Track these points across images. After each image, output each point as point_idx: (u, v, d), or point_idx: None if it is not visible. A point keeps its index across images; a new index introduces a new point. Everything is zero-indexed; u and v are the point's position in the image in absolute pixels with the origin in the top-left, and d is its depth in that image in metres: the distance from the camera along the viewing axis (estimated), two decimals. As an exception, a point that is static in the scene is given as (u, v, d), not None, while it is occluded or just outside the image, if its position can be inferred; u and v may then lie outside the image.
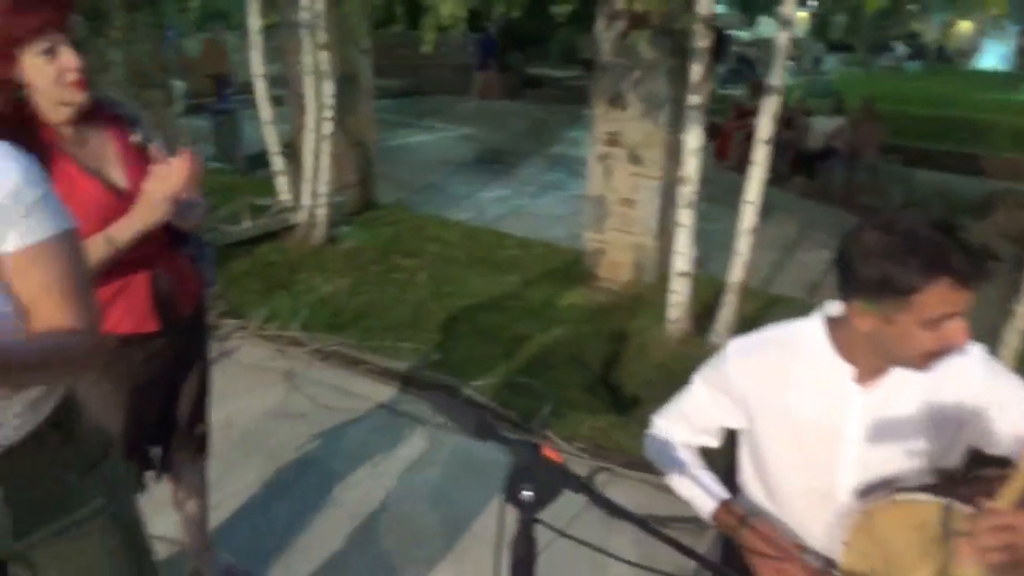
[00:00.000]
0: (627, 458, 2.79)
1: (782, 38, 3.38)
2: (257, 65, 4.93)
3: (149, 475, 2.03)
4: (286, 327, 3.90)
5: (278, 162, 5.25)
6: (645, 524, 1.00)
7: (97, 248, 1.57)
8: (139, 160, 1.73)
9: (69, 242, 1.12)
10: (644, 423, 1.61)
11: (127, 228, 1.58)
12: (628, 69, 4.28)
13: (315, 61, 4.75)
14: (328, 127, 4.85)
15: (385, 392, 3.37)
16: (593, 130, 4.57)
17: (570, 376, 3.52)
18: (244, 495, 2.64)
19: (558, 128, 10.91)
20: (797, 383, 1.36)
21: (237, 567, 2.30)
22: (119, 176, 1.67)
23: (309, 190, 5.06)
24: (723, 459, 1.58)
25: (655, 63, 4.21)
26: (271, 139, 5.16)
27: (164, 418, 1.96)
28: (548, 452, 0.99)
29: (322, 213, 5.06)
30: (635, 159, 4.44)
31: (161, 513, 2.14)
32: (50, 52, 1.49)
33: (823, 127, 8.51)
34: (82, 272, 1.14)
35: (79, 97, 1.57)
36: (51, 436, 1.17)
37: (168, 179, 1.57)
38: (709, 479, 1.51)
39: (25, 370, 1.04)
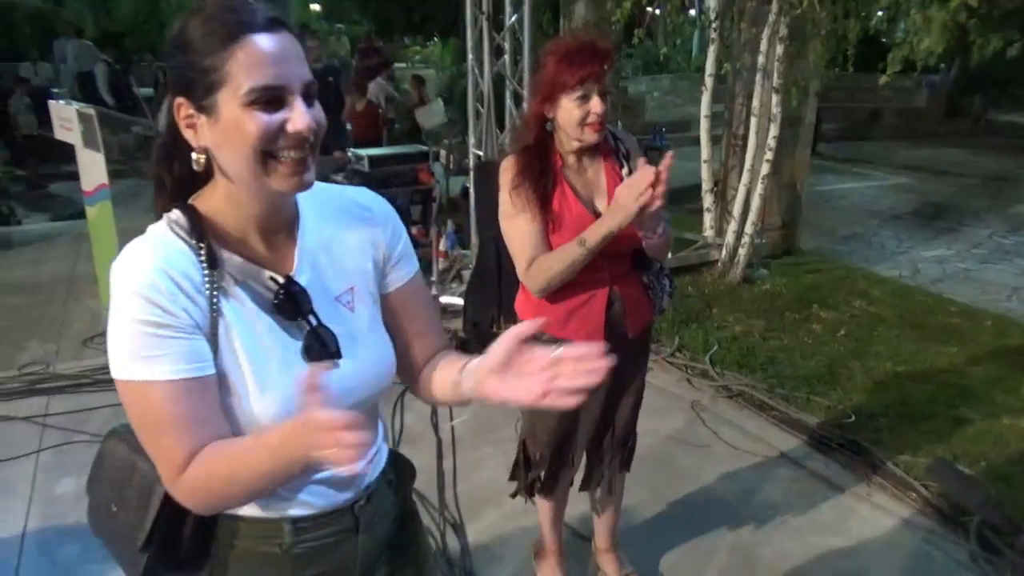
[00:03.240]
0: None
1: None
2: (706, 106, 5.16)
3: (576, 479, 2.25)
4: (696, 359, 4.00)
5: (708, 199, 5.41)
6: None
7: (571, 250, 1.78)
8: None
9: (421, 275, 1.18)
10: None
11: (597, 230, 1.74)
12: None
13: (765, 103, 4.78)
14: (765, 168, 4.85)
15: (791, 443, 3.23)
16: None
17: (1024, 479, 2.95)
18: (643, 510, 2.77)
19: (1026, 184, 9.22)
20: None
21: (634, 574, 2.43)
22: (604, 205, 1.89)
23: (733, 229, 5.11)
24: None
25: None
26: (706, 176, 5.34)
27: (599, 429, 2.14)
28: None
29: (743, 253, 5.06)
30: None
31: (573, 505, 2.36)
32: (583, 98, 1.78)
33: None
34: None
35: (594, 138, 1.84)
36: (388, 483, 1.19)
37: (637, 186, 1.65)
38: None
39: None
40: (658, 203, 1.66)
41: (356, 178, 4.93)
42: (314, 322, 0.98)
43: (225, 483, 0.92)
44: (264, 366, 0.96)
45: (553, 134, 1.90)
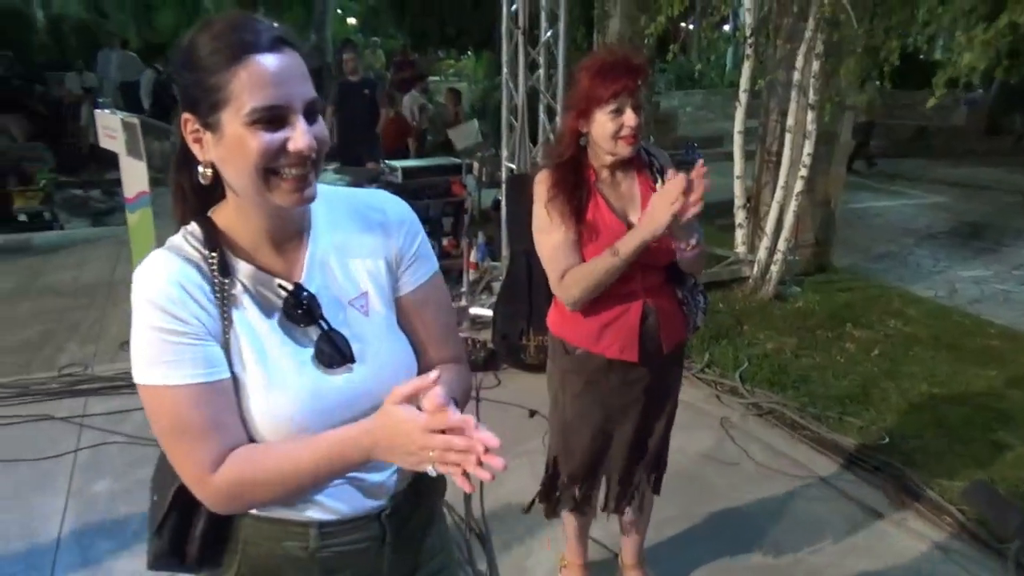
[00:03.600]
0: None
1: None
2: (739, 122, 5.14)
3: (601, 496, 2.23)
4: (726, 375, 3.96)
5: (740, 215, 5.38)
6: None
7: (604, 260, 1.79)
8: None
9: (441, 278, 1.16)
10: None
11: (630, 240, 1.75)
12: None
13: (800, 120, 4.76)
14: (799, 185, 4.81)
15: (823, 464, 3.18)
16: None
17: (1066, 507, 2.86)
18: (669, 526, 2.74)
19: (1068, 205, 8.98)
20: None
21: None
22: (637, 219, 1.90)
23: (766, 245, 5.07)
24: None
25: None
26: (738, 192, 5.31)
27: (631, 450, 2.12)
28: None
29: (775, 269, 5.02)
30: None
31: (600, 519, 2.35)
32: (617, 112, 1.79)
33: None
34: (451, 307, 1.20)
35: (627, 152, 1.85)
36: (417, 492, 1.15)
37: (669, 195, 1.66)
38: None
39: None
40: (692, 212, 1.67)
41: (389, 189, 4.98)
42: (324, 327, 1.00)
43: (263, 484, 0.95)
44: (274, 372, 0.97)
45: (587, 148, 1.92)
